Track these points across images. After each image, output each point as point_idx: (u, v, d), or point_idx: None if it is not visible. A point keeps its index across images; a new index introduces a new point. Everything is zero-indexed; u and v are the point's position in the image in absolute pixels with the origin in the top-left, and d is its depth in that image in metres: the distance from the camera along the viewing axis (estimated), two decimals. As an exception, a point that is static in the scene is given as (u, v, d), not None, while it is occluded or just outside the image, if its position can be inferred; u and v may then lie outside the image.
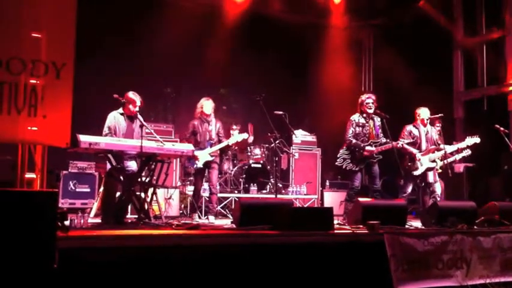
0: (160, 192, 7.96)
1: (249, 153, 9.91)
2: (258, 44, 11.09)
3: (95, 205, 7.55)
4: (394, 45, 11.60)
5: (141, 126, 6.14)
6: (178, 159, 9.21)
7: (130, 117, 6.58)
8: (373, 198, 7.04)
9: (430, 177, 7.64)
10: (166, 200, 8.18)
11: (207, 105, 7.66)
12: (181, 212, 8.68)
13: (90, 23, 9.54)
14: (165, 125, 9.99)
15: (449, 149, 7.86)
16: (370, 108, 7.26)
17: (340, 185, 10.62)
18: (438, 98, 10.67)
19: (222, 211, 8.96)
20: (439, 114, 7.83)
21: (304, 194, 9.81)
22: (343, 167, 7.31)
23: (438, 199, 7.54)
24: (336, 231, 5.27)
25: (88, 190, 8.04)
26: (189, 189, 8.96)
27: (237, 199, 8.50)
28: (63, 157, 7.70)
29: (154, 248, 4.28)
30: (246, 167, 9.66)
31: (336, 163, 7.42)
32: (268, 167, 9.65)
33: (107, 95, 6.82)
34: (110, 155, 6.00)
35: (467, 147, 7.85)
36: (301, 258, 4.70)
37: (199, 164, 7.54)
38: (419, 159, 7.54)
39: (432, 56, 11.18)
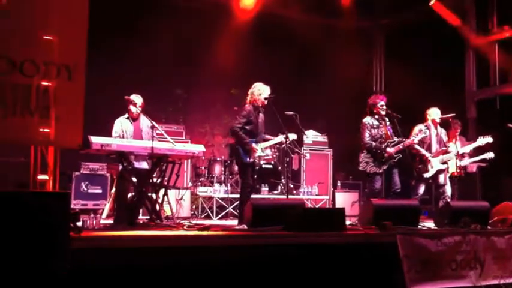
0: (172, 193, 7.97)
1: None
2: (269, 44, 11.08)
3: (107, 206, 7.59)
4: (405, 45, 11.54)
5: (152, 127, 6.19)
6: (189, 160, 9.25)
7: (136, 120, 6.66)
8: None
9: (441, 179, 7.55)
10: (177, 201, 8.20)
11: (266, 91, 6.86)
12: (192, 212, 8.70)
13: (99, 24, 9.60)
14: (176, 126, 10.00)
15: (462, 150, 7.81)
16: (384, 110, 7.22)
17: (352, 186, 10.57)
18: (451, 97, 10.62)
19: (234, 212, 8.96)
20: (451, 114, 7.75)
21: (316, 195, 9.79)
22: (367, 170, 7.15)
23: (448, 200, 7.40)
24: (348, 231, 5.25)
25: (100, 191, 8.06)
26: (200, 190, 8.99)
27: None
28: (75, 158, 7.73)
29: (166, 249, 4.28)
30: (257, 167, 9.64)
31: (360, 168, 7.27)
32: (280, 168, 9.63)
33: (117, 97, 6.88)
34: (121, 156, 6.04)
35: (482, 148, 7.81)
36: (313, 259, 4.69)
37: (257, 154, 6.73)
38: (430, 161, 7.48)
39: (444, 56, 11.13)
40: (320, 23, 11.72)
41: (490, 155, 7.77)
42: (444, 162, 7.53)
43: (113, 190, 7.54)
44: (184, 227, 5.48)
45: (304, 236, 4.82)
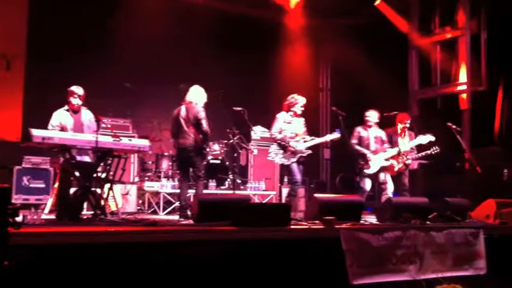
0: (118, 188, 7.85)
1: (208, 149, 9.87)
2: (220, 41, 11.05)
3: (49, 201, 7.38)
4: (352, 44, 11.75)
5: (96, 120, 6.07)
6: (136, 154, 9.14)
7: (77, 112, 6.51)
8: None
9: (382, 176, 7.92)
10: (123, 196, 8.07)
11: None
12: (138, 208, 8.59)
13: (46, 14, 9.38)
14: (122, 119, 9.84)
15: (403, 148, 8.07)
16: (300, 110, 7.62)
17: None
18: (395, 96, 10.91)
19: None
20: (394, 112, 8.01)
21: (263, 190, 9.85)
22: (275, 161, 7.66)
23: (390, 196, 7.76)
24: (292, 227, 5.31)
25: (43, 186, 7.82)
26: (147, 185, 8.88)
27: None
28: (18, 152, 7.52)
29: (110, 245, 4.22)
30: (205, 162, 9.62)
31: (268, 158, 7.78)
32: (227, 163, 9.63)
33: (63, 90, 6.71)
34: (64, 150, 5.89)
35: (428, 144, 8.06)
36: (258, 253, 4.72)
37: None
38: (371, 159, 7.88)
39: (389, 55, 11.40)
40: (270, 21, 11.80)
41: (436, 149, 8.03)
42: (387, 159, 7.84)
43: (56, 185, 7.35)
44: (129, 223, 5.41)
45: (249, 231, 4.84)
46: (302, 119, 7.74)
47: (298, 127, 7.64)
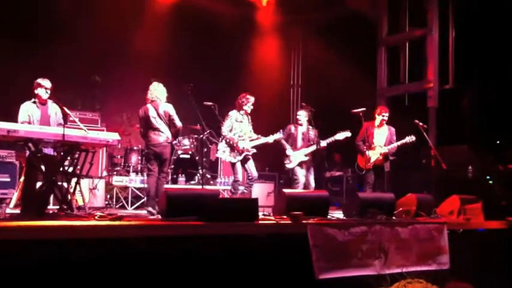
0: (85, 182, 7.76)
1: (178, 144, 9.85)
2: (190, 34, 11.02)
3: (15, 195, 7.25)
4: (323, 41, 11.85)
5: (63, 114, 6.00)
6: (104, 148, 9.05)
7: (44, 105, 6.44)
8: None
9: (301, 172, 8.31)
10: (90, 191, 7.99)
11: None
12: (106, 202, 8.52)
13: (13, 3, 9.19)
14: (91, 113, 9.74)
15: (380, 140, 8.31)
16: (250, 109, 7.95)
17: (268, 177, 10.75)
18: (364, 92, 11.03)
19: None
20: (362, 109, 8.11)
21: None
22: (223, 159, 8.09)
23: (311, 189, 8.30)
24: (260, 222, 5.34)
25: (8, 179, 7.67)
26: (116, 180, 8.81)
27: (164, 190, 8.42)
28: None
29: (75, 240, 4.19)
30: (175, 157, 9.60)
31: (216, 155, 8.22)
32: (197, 158, 9.62)
33: (30, 82, 6.62)
34: (29, 143, 5.80)
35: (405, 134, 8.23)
36: (226, 248, 4.74)
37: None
38: (289, 155, 8.31)
39: (359, 52, 11.51)
40: (241, 15, 11.81)
41: (411, 138, 8.18)
42: (307, 155, 8.30)
43: (22, 178, 7.23)
44: (96, 217, 5.36)
45: (217, 226, 4.85)
46: (248, 117, 8.05)
47: (246, 125, 7.96)
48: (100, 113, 9.99)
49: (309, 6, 12.09)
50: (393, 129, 8.48)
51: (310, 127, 8.50)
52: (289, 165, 8.35)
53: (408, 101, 11.47)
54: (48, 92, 6.48)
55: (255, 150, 7.92)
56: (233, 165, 7.79)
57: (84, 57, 9.85)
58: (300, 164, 8.32)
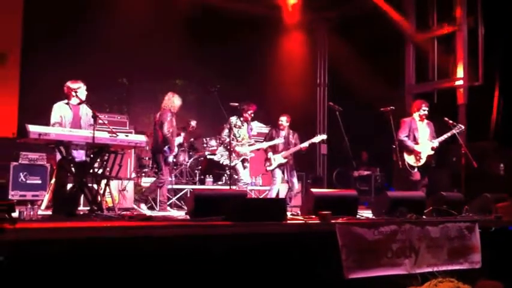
0: (114, 184, 7.86)
1: (205, 145, 9.90)
2: (215, 36, 11.06)
3: (46, 197, 7.39)
4: (348, 39, 11.76)
5: (93, 116, 6.07)
6: (133, 150, 9.15)
7: (77, 107, 6.52)
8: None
9: (279, 173, 8.73)
10: (120, 192, 8.09)
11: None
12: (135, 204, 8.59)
13: (41, 12, 9.36)
14: (119, 115, 9.85)
15: (424, 136, 8.12)
16: (250, 116, 8.46)
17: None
18: (391, 90, 10.92)
19: (178, 202, 8.93)
20: (390, 107, 7.99)
21: (260, 186, 9.86)
22: (221, 162, 8.44)
23: (293, 193, 8.79)
24: (288, 221, 5.32)
25: (39, 182, 7.85)
26: (144, 181, 8.90)
27: (192, 190, 8.49)
28: (14, 149, 7.54)
29: (106, 239, 4.23)
30: (202, 158, 9.64)
31: (215, 158, 8.64)
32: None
33: (58, 86, 6.71)
34: (60, 146, 5.89)
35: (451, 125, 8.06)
36: (254, 248, 4.73)
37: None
38: (270, 158, 8.71)
39: (386, 50, 11.40)
40: (265, 15, 11.81)
41: (459, 127, 8.01)
42: (286, 157, 8.66)
43: (53, 181, 7.35)
44: (126, 218, 5.42)
45: (244, 226, 4.85)
46: (247, 124, 8.52)
47: (245, 131, 8.46)
48: (128, 115, 10.09)
49: (333, 3, 12.03)
50: (431, 124, 8.27)
51: (291, 131, 8.87)
52: (269, 168, 8.77)
53: (437, 98, 11.30)
54: (81, 94, 6.56)
55: (253, 155, 8.54)
56: (233, 167, 8.14)
57: (111, 60, 9.98)
58: (279, 166, 8.68)
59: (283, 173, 8.78)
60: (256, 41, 11.54)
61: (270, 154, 8.74)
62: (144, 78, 10.75)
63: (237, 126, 8.36)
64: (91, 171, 6.19)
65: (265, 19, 11.73)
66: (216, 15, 10.90)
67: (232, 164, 7.93)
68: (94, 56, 9.56)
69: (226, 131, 8.21)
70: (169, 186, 8.72)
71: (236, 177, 8.30)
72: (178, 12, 10.53)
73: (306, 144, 8.66)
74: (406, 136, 8.05)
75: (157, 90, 10.91)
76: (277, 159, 8.69)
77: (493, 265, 5.74)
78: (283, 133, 8.81)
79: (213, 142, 9.87)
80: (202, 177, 9.53)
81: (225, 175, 9.53)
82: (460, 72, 10.89)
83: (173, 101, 8.03)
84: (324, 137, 8.81)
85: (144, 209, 7.73)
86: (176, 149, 8.31)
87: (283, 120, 8.82)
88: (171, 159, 8.05)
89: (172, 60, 10.42)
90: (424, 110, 8.16)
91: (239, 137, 8.35)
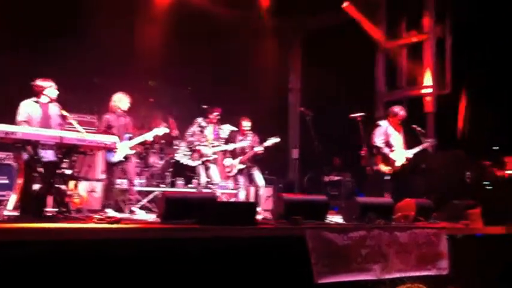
0: (83, 185, 7.74)
1: (176, 147, 9.82)
2: (188, 37, 11.01)
3: (13, 197, 7.21)
4: (321, 46, 11.85)
5: (62, 116, 5.96)
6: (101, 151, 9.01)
7: (46, 105, 6.39)
8: None
9: (241, 178, 8.80)
10: (88, 193, 7.96)
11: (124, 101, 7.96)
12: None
13: (5, 8, 9.16)
14: (89, 115, 9.70)
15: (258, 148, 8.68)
16: (216, 119, 8.45)
17: (267, 181, 10.70)
18: (362, 97, 11.05)
19: (148, 205, 8.83)
20: (361, 113, 8.08)
21: (231, 189, 9.83)
22: (181, 161, 8.76)
23: (261, 192, 8.88)
24: (259, 225, 5.32)
25: (6, 181, 7.68)
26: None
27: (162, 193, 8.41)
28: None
29: (73, 242, 4.16)
30: (173, 161, 9.57)
31: (176, 157, 8.96)
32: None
33: (26, 84, 6.57)
34: (27, 145, 5.77)
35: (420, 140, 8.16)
36: (224, 252, 4.72)
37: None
38: (230, 164, 8.80)
39: (357, 57, 11.52)
40: (239, 19, 11.82)
41: (432, 141, 8.24)
42: (243, 162, 8.75)
43: (20, 180, 7.19)
44: (94, 220, 5.33)
45: (215, 230, 4.83)
46: (213, 126, 8.46)
47: (210, 133, 8.43)
48: (98, 115, 9.95)
49: (306, 11, 12.11)
50: (402, 131, 8.18)
51: (252, 133, 8.93)
52: (231, 174, 8.89)
53: (406, 105, 11.46)
54: (52, 93, 6.43)
55: (216, 156, 8.48)
56: (193, 168, 8.22)
57: (82, 59, 9.83)
58: (240, 172, 8.78)
59: (244, 177, 8.84)
60: (230, 44, 11.52)
61: (229, 160, 8.82)
62: (116, 78, 10.60)
63: (202, 127, 8.38)
64: (59, 171, 6.07)
65: (239, 22, 11.74)
66: (192, 17, 10.86)
67: (193, 165, 7.97)
68: (65, 54, 9.40)
69: (190, 130, 8.32)
70: (140, 188, 8.62)
71: (196, 179, 8.35)
72: (152, 12, 10.49)
73: (260, 148, 8.68)
74: (382, 142, 7.94)
75: (129, 91, 10.81)
76: (237, 164, 8.79)
77: (461, 272, 5.84)
78: (240, 137, 8.89)
79: (183, 145, 9.81)
80: (173, 179, 9.45)
81: (195, 178, 9.47)
82: (428, 80, 11.08)
83: (120, 100, 7.94)
84: (277, 140, 8.72)
85: (112, 212, 7.56)
86: (126, 150, 7.62)
87: (246, 126, 8.90)
88: (115, 158, 7.46)
89: (145, 60, 10.33)
90: (401, 116, 8.06)
91: (203, 138, 8.36)
